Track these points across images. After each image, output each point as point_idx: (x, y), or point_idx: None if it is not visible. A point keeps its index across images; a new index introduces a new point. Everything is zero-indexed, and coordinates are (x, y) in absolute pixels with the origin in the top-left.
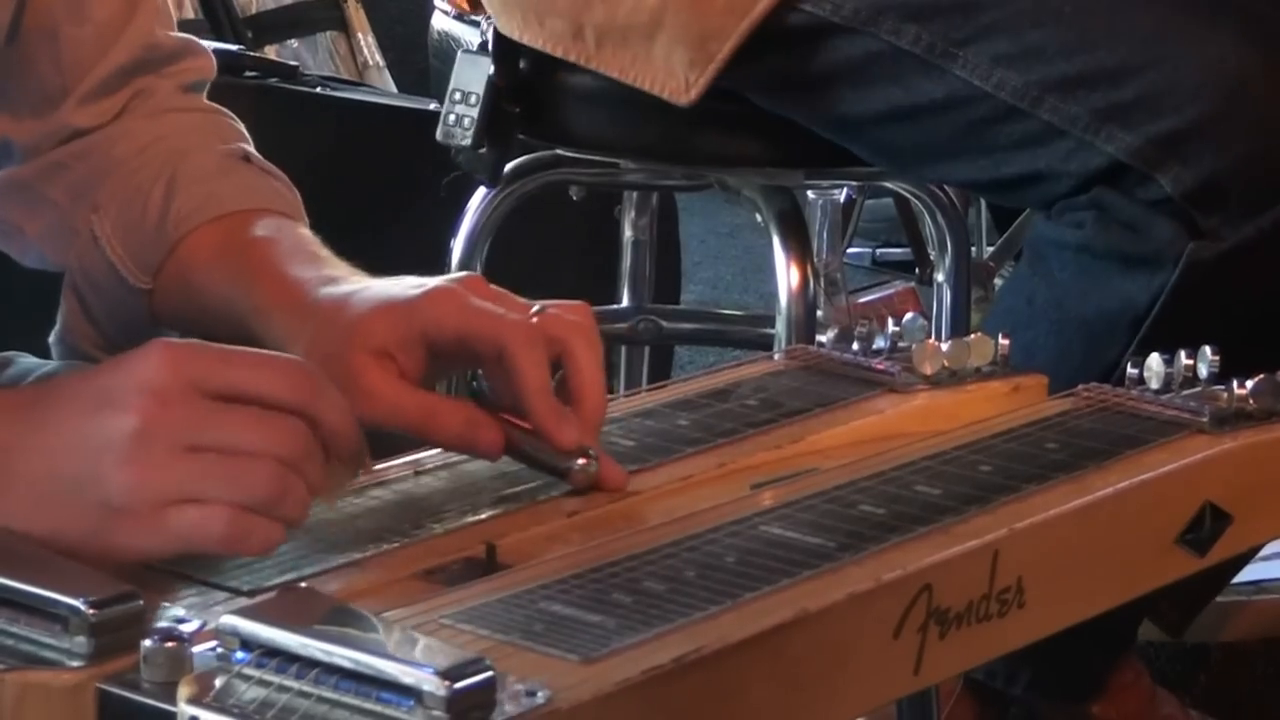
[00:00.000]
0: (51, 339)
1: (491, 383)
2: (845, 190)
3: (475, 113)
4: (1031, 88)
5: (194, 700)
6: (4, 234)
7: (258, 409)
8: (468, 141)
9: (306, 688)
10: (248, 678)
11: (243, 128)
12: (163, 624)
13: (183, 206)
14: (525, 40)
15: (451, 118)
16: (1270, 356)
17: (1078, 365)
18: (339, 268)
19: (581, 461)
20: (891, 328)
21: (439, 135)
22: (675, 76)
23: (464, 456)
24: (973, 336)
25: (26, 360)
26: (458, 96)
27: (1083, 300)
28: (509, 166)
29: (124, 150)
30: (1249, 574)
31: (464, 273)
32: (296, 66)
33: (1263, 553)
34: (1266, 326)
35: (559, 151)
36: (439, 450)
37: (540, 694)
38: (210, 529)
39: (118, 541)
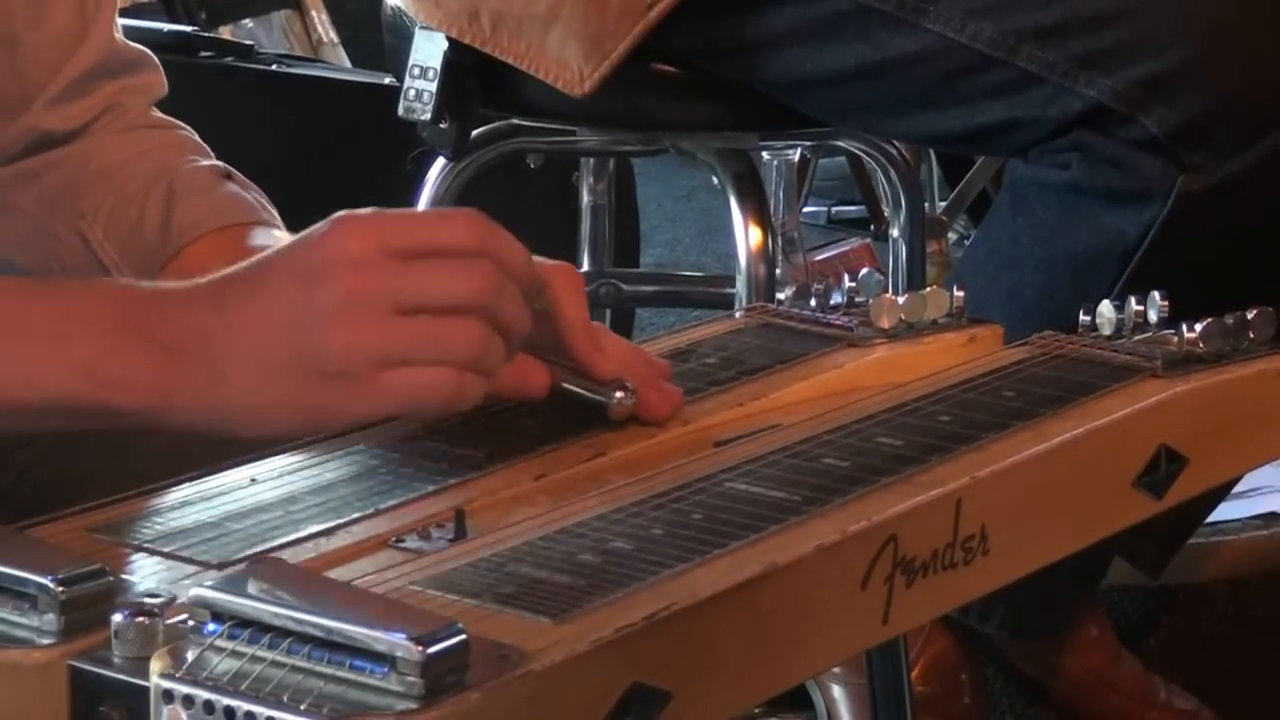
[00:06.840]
0: None
1: None
2: (799, 150)
3: (434, 87)
4: (1008, 37)
5: (166, 674)
6: None
7: (450, 260)
8: (428, 116)
9: (279, 658)
10: (220, 650)
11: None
12: (132, 599)
13: (185, 216)
14: (421, 18)
15: (412, 93)
16: (1256, 290)
17: (1065, 301)
18: None
19: (620, 394)
20: (848, 283)
21: (400, 110)
22: (570, 69)
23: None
24: (928, 289)
25: None
26: (416, 72)
27: (1070, 237)
28: None
29: (105, 163)
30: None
31: None
32: (252, 46)
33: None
34: (1252, 260)
35: (516, 121)
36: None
37: (513, 656)
38: (435, 391)
39: (335, 407)
